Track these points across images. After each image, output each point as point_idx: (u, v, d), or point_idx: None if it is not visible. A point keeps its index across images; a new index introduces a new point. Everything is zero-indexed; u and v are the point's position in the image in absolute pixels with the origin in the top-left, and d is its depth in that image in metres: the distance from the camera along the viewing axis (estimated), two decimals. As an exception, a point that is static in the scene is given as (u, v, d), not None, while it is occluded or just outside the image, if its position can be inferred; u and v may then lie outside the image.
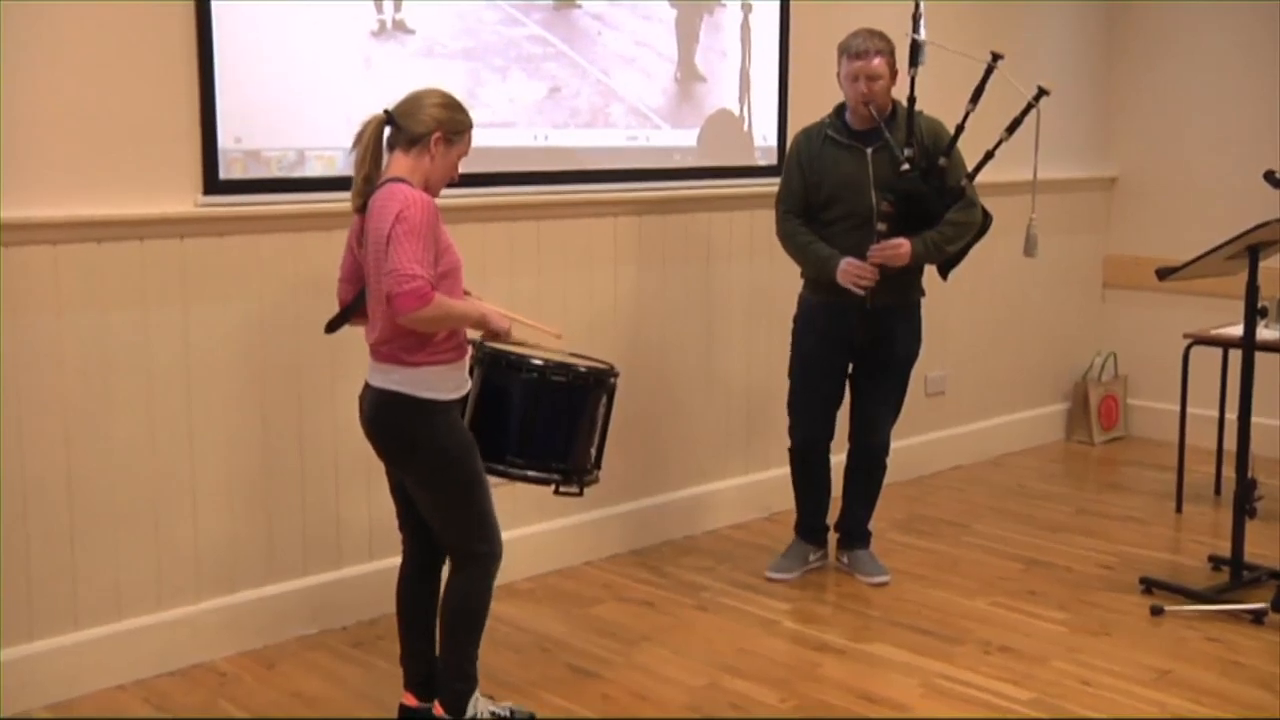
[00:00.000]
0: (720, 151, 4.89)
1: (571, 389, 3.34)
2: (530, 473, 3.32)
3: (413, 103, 3.12)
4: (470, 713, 3.25)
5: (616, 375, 3.45)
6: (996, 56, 4.16)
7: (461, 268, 3.17)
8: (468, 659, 3.25)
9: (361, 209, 3.10)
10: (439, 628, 3.24)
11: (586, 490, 3.42)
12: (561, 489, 3.38)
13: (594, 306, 4.53)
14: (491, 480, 3.23)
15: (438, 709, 3.26)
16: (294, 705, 3.50)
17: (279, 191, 3.78)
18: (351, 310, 3.24)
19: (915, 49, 4.14)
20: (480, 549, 3.20)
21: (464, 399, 3.22)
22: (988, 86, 4.17)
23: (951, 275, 4.48)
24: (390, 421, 3.15)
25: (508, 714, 3.33)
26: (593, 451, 3.43)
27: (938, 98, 4.30)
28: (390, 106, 3.13)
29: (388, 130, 3.11)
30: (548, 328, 3.45)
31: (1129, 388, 6.54)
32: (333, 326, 3.28)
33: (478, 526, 3.19)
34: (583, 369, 3.36)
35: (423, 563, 3.35)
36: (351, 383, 3.31)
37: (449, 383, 3.14)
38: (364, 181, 3.09)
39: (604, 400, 3.42)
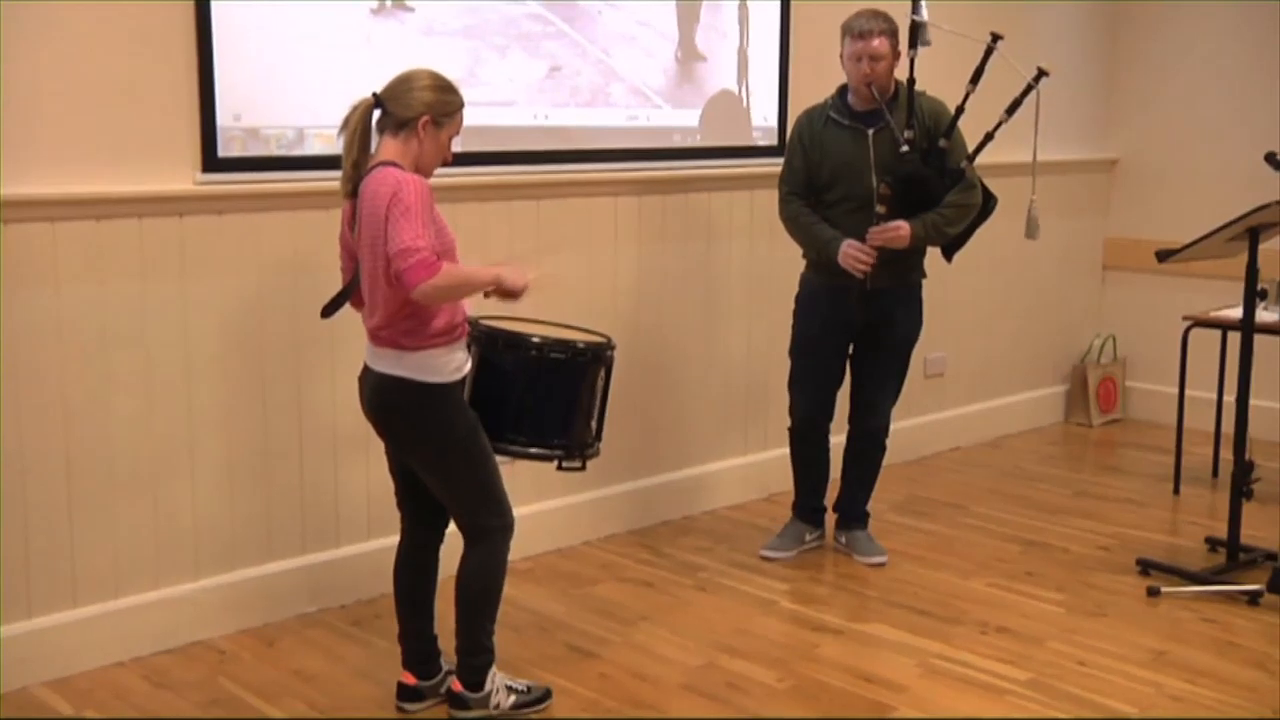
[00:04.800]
0: (721, 131, 4.88)
1: (570, 365, 3.34)
2: (532, 450, 3.32)
3: (401, 85, 3.09)
4: (488, 686, 3.27)
5: (614, 348, 3.45)
6: (996, 37, 4.15)
7: (455, 247, 3.17)
8: (485, 633, 3.26)
9: (351, 194, 3.09)
10: (455, 604, 3.25)
11: (589, 464, 3.43)
12: (564, 465, 3.38)
13: (594, 286, 4.52)
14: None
15: (455, 685, 3.28)
16: (293, 683, 3.51)
17: (278, 169, 3.77)
18: (346, 295, 3.23)
19: (915, 30, 4.14)
20: (493, 523, 3.21)
21: (465, 379, 3.22)
22: (988, 68, 4.16)
23: (955, 257, 4.47)
24: (395, 408, 3.15)
25: (524, 689, 3.35)
26: (593, 425, 3.43)
27: (938, 79, 4.29)
28: (379, 89, 3.11)
29: (377, 113, 3.09)
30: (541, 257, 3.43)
31: (1128, 370, 6.54)
32: (328, 311, 3.27)
33: (489, 501, 3.20)
34: (581, 345, 3.36)
35: (421, 541, 3.36)
36: (350, 360, 3.31)
37: (450, 364, 3.13)
38: (353, 167, 3.07)
39: (602, 374, 3.42)
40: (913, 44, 4.15)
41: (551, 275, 3.40)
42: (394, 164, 3.04)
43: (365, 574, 4.01)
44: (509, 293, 3.18)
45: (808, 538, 4.56)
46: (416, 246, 2.91)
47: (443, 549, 3.38)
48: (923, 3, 4.16)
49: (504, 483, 3.24)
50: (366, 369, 3.20)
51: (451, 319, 3.13)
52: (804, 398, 4.45)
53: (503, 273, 3.15)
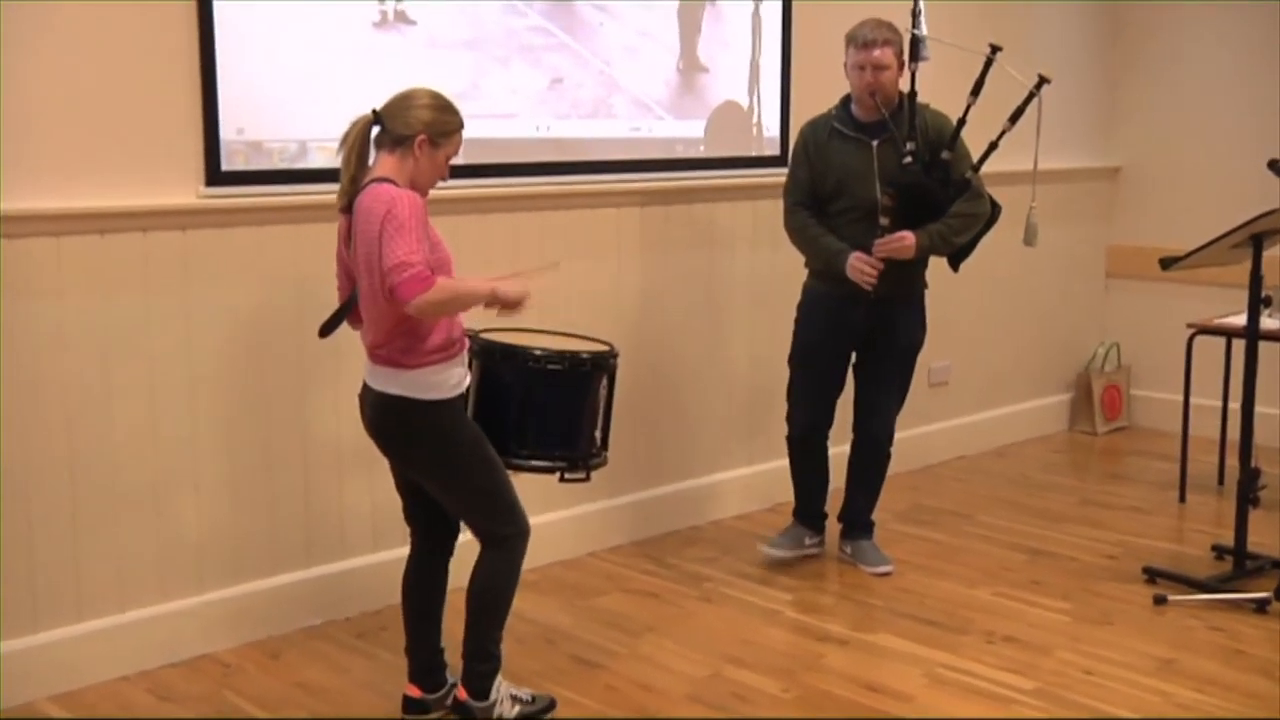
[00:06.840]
0: (726, 142, 4.88)
1: (571, 376, 3.33)
2: (535, 462, 3.32)
3: (400, 103, 3.10)
4: (494, 695, 3.26)
5: (616, 355, 3.44)
6: (995, 49, 4.16)
7: (451, 263, 3.16)
8: (492, 641, 3.26)
9: (347, 209, 3.09)
10: (465, 609, 3.24)
11: (593, 474, 3.42)
12: (567, 476, 3.38)
13: (597, 298, 4.52)
14: None
15: (461, 692, 3.27)
16: (298, 696, 3.51)
17: (281, 183, 3.78)
18: (344, 313, 3.23)
19: (915, 44, 4.15)
20: (507, 531, 3.20)
21: (466, 392, 3.22)
22: (988, 78, 4.17)
23: (960, 267, 4.47)
24: (396, 426, 3.15)
25: (529, 699, 3.34)
26: (597, 435, 3.42)
27: (940, 92, 4.29)
28: (379, 106, 3.11)
29: (375, 129, 3.10)
30: (543, 270, 3.41)
31: (1132, 378, 6.53)
32: (326, 330, 3.27)
33: (501, 509, 3.19)
34: (583, 355, 3.35)
35: (431, 555, 3.35)
36: (353, 372, 3.31)
37: (449, 380, 3.13)
38: (350, 182, 3.07)
39: (605, 382, 3.42)
40: (913, 58, 4.16)
41: (547, 279, 3.37)
42: (389, 180, 3.04)
43: (370, 586, 4.00)
44: (508, 305, 3.17)
45: (807, 541, 4.56)
46: (410, 261, 2.91)
47: (452, 562, 3.37)
48: (923, 18, 4.17)
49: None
50: (366, 387, 3.19)
51: (448, 335, 3.12)
52: (804, 406, 4.45)
53: (499, 286, 3.14)
